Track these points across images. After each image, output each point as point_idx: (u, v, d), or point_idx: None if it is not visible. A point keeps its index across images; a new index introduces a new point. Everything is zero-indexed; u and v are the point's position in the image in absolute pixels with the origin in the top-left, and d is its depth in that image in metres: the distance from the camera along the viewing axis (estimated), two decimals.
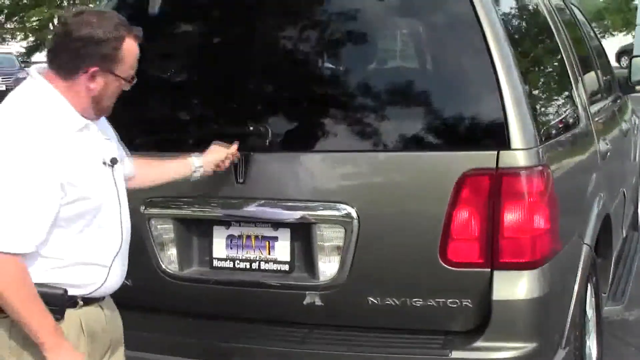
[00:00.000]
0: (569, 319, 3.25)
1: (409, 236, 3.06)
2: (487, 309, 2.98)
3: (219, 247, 3.30)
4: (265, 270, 3.24)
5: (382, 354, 3.06)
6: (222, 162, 3.07)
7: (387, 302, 3.08)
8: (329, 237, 3.13)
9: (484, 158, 2.98)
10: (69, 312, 2.38)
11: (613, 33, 36.22)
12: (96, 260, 2.42)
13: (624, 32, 35.31)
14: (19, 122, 2.28)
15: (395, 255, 3.08)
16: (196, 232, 3.33)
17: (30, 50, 38.89)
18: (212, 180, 3.25)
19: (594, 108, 4.35)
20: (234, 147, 3.09)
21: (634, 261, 5.19)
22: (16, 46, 41.16)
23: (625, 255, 5.18)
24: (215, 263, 3.31)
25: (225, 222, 3.28)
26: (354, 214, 3.07)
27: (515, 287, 2.97)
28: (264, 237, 3.24)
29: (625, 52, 24.60)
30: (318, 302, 3.16)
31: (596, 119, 4.26)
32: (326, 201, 3.12)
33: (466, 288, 3.02)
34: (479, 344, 2.97)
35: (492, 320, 2.96)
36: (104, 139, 2.48)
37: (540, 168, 3.00)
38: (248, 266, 3.26)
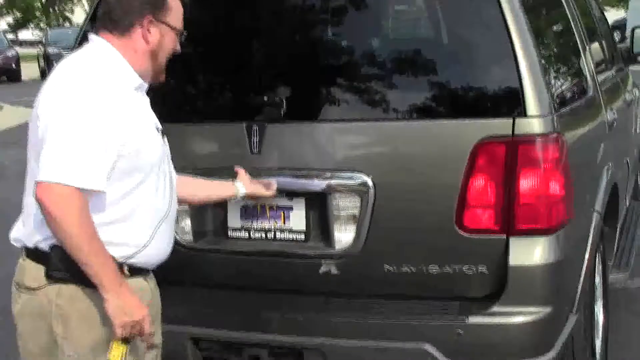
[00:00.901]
0: (580, 285, 3.29)
1: (425, 204, 3.08)
2: (503, 275, 3.01)
3: (234, 217, 3.31)
4: (281, 240, 3.26)
5: (399, 321, 3.08)
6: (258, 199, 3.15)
7: (404, 270, 3.10)
8: (345, 206, 3.14)
9: (499, 126, 2.99)
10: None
11: (605, 8, 36.20)
12: (143, 220, 2.42)
13: (616, 8, 35.34)
14: (83, 73, 2.35)
15: (411, 223, 3.10)
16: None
17: (16, 27, 38.57)
18: (226, 151, 3.26)
19: (600, 78, 4.37)
20: (273, 191, 3.12)
21: (636, 231, 5.25)
22: (2, 23, 40.87)
23: (627, 225, 5.24)
24: (231, 233, 3.32)
25: None
26: (370, 183, 3.09)
27: (531, 253, 3.00)
28: (278, 207, 3.26)
29: (617, 27, 24.61)
30: (334, 270, 3.18)
31: (603, 88, 4.29)
32: (341, 170, 3.14)
33: (482, 254, 3.04)
34: (495, 309, 3.00)
35: (508, 286, 2.99)
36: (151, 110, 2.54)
37: (555, 135, 3.02)
38: (263, 236, 3.28)
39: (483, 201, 3.02)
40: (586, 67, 4.01)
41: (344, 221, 3.16)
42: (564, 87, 3.53)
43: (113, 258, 2.33)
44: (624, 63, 5.79)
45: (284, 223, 3.25)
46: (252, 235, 3.29)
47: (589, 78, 4.01)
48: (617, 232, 4.40)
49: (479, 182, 3.01)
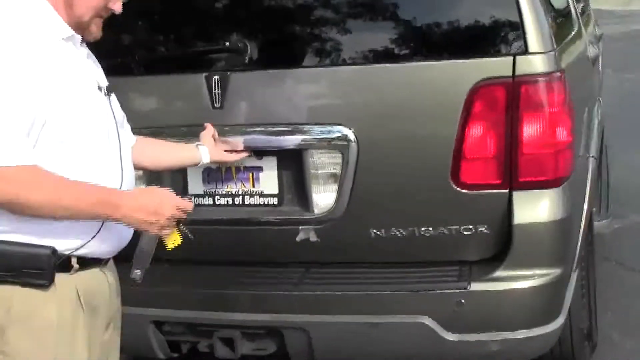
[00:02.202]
0: (580, 240, 2.98)
1: (416, 158, 2.72)
2: (506, 235, 2.68)
3: (195, 182, 2.91)
4: (250, 205, 2.87)
5: (391, 291, 2.73)
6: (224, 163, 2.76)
7: (393, 234, 2.75)
8: (323, 164, 2.77)
9: (498, 65, 2.63)
10: (61, 279, 1.94)
11: None
12: None
13: None
14: None
15: (400, 180, 2.74)
16: None
17: None
18: (184, 107, 2.83)
19: (579, 8, 4.06)
20: (242, 155, 2.75)
21: (610, 173, 5.01)
22: None
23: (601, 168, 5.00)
24: (192, 200, 2.90)
25: None
26: (352, 137, 2.71)
27: (537, 208, 2.67)
28: (246, 168, 2.86)
29: None
30: (313, 237, 2.81)
31: (583, 21, 3.98)
32: (318, 123, 2.74)
33: (482, 212, 2.70)
34: (499, 273, 2.67)
35: (513, 247, 2.66)
36: (96, 67, 2.09)
37: (559, 74, 2.67)
38: (230, 201, 2.88)
39: (482, 152, 2.67)
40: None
41: (323, 181, 2.79)
42: (557, 20, 3.18)
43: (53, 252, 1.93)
44: None
45: (253, 186, 2.86)
46: (217, 201, 2.89)
47: (572, 10, 3.68)
48: (602, 177, 4.12)
49: (476, 131, 2.65)
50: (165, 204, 2.03)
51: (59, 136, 1.91)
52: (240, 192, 2.88)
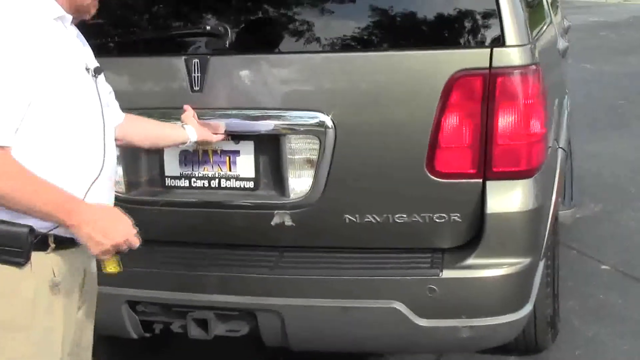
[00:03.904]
0: (547, 230, 3.04)
1: (392, 146, 2.73)
2: (478, 224, 2.72)
3: (172, 164, 2.90)
4: (226, 188, 2.88)
5: (364, 277, 2.76)
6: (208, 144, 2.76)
7: (367, 220, 2.78)
8: (300, 149, 2.78)
9: (475, 57, 2.66)
10: (37, 257, 1.94)
11: None
12: (68, 182, 1.96)
13: None
14: None
15: (376, 168, 2.76)
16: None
17: None
18: (163, 89, 2.82)
19: (549, 2, 4.11)
20: (223, 135, 2.76)
21: (573, 163, 5.10)
22: None
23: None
24: (168, 182, 2.91)
25: None
26: (329, 123, 2.72)
27: (510, 198, 2.72)
28: (223, 152, 2.86)
29: None
30: (288, 222, 2.83)
31: (553, 13, 4.03)
32: (297, 109, 2.75)
33: (455, 201, 2.74)
34: (471, 261, 2.71)
35: (484, 236, 2.70)
36: (85, 47, 2.08)
37: (534, 67, 2.71)
38: (206, 184, 2.88)
39: (457, 141, 2.70)
40: None
41: (299, 166, 2.80)
42: (531, 12, 3.22)
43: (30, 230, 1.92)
44: None
45: (230, 169, 2.87)
46: (193, 183, 2.89)
47: (544, 2, 3.73)
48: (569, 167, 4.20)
49: (452, 120, 2.68)
50: (119, 230, 1.98)
51: (43, 117, 1.90)
52: (216, 175, 2.88)
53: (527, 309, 2.82)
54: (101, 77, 2.10)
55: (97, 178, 2.02)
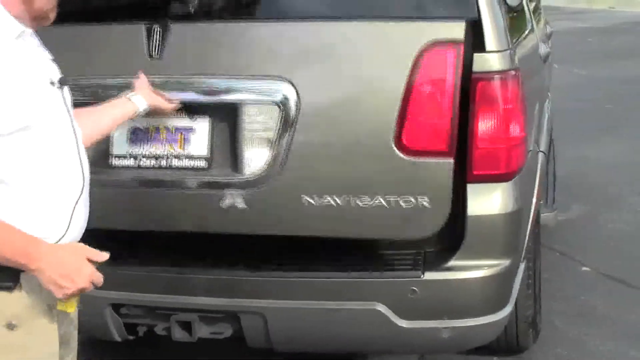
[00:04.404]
0: (528, 232, 3.09)
1: (358, 118, 2.63)
2: (447, 214, 2.68)
3: (119, 142, 2.77)
4: (176, 168, 2.76)
5: (346, 278, 2.77)
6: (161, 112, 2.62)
7: (327, 202, 2.64)
8: (260, 121, 2.67)
9: (450, 29, 2.61)
10: (27, 278, 1.88)
11: None
12: (56, 206, 1.92)
13: None
14: None
15: (339, 143, 2.65)
16: None
17: None
18: (122, 56, 2.72)
19: (531, 7, 4.15)
20: (176, 104, 2.67)
21: (555, 166, 5.14)
22: None
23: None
24: (114, 161, 2.79)
25: None
26: (292, 93, 2.63)
27: (490, 201, 2.75)
28: (177, 129, 2.75)
29: None
30: (240, 203, 2.68)
31: (535, 19, 4.08)
32: (258, 79, 2.67)
33: (423, 182, 2.62)
34: (452, 263, 2.74)
35: (466, 238, 2.73)
36: (46, 57, 1.99)
37: (514, 72, 2.75)
38: (155, 163, 2.76)
39: (428, 116, 2.61)
40: None
41: (257, 141, 2.68)
42: (512, 18, 3.26)
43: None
44: None
45: (182, 148, 2.75)
46: (140, 163, 2.77)
47: (526, 8, 3.77)
48: (549, 170, 4.24)
49: (422, 94, 2.61)
50: (84, 272, 1.87)
51: (19, 145, 1.83)
52: (167, 154, 2.75)
53: (507, 310, 2.86)
54: (66, 88, 2.00)
55: (80, 195, 1.97)
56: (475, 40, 2.67)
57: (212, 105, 2.72)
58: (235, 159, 2.71)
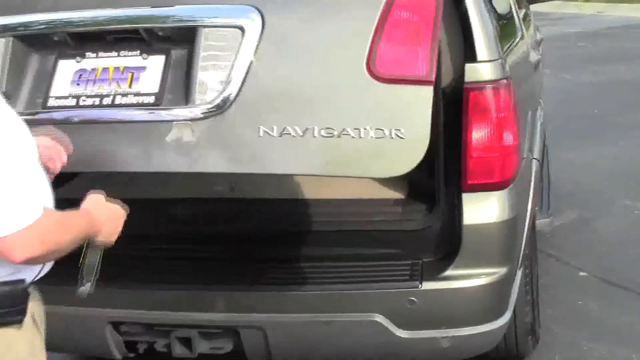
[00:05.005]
0: (524, 239, 3.11)
1: (326, 43, 2.43)
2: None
3: (61, 83, 2.58)
4: (120, 105, 2.52)
5: (345, 290, 2.79)
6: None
7: (287, 133, 2.36)
8: (217, 47, 2.47)
9: None
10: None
11: None
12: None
13: None
14: None
15: (303, 70, 2.43)
16: (33, 62, 2.64)
17: None
18: None
19: (521, 15, 4.19)
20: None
21: (549, 171, 5.17)
22: None
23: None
24: (51, 102, 2.58)
25: (76, 51, 2.59)
26: (257, 17, 2.45)
27: (485, 210, 2.77)
28: (127, 69, 2.56)
29: None
30: (190, 137, 2.43)
31: (525, 27, 4.11)
32: (221, 3, 2.55)
33: (399, 112, 2.35)
34: (449, 272, 2.75)
35: (462, 247, 2.74)
36: None
37: (506, 81, 2.78)
38: (97, 102, 2.53)
39: (404, 40, 2.40)
40: (512, 3, 3.80)
41: (212, 70, 2.46)
42: (502, 27, 3.29)
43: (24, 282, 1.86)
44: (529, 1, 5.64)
45: (130, 86, 2.54)
46: (81, 102, 2.54)
47: (515, 16, 3.81)
48: (543, 176, 4.27)
49: (400, 13, 2.41)
50: (120, 214, 2.01)
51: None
52: (111, 92, 2.54)
53: (506, 317, 2.88)
54: None
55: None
56: (466, 50, 2.70)
57: (170, 38, 2.56)
58: (187, 92, 2.48)
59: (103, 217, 1.96)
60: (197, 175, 2.83)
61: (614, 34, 13.77)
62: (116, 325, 2.90)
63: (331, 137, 2.35)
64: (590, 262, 4.53)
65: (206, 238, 3.00)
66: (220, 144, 2.46)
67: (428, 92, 2.34)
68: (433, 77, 2.35)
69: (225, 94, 2.43)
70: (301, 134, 2.36)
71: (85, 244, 1.96)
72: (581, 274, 4.42)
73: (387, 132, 2.32)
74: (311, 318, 2.80)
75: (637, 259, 4.52)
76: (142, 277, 2.93)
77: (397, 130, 2.32)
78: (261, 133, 2.38)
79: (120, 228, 2.02)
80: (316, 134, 2.35)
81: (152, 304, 2.89)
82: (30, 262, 1.78)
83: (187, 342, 2.88)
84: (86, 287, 2.05)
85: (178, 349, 2.89)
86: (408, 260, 2.84)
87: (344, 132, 2.34)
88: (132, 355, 2.98)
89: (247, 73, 2.41)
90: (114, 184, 2.79)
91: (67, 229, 1.84)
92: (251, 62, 2.41)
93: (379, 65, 2.37)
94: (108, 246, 2.02)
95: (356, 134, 2.33)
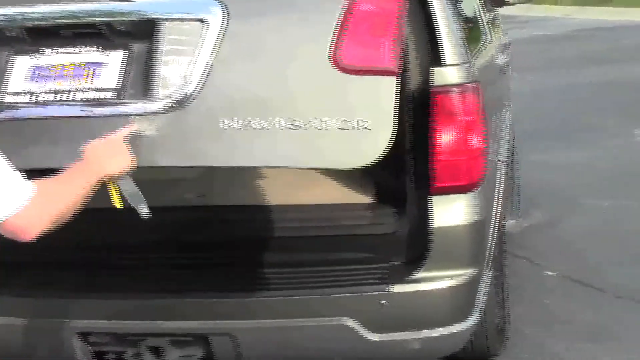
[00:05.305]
0: (492, 240, 3.13)
1: (290, 33, 2.44)
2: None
3: (16, 80, 2.54)
4: (79, 101, 2.48)
5: (314, 295, 2.78)
6: None
7: (250, 125, 2.35)
8: (178, 41, 2.45)
9: None
10: None
11: None
12: None
13: None
14: None
15: (267, 61, 2.41)
16: None
17: None
18: None
19: (487, 18, 4.22)
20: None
21: (519, 172, 5.21)
22: None
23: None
24: (7, 99, 2.52)
25: (33, 47, 2.55)
26: (219, 10, 2.44)
27: (453, 212, 2.78)
28: (87, 64, 2.51)
29: None
30: (150, 131, 2.39)
31: (493, 30, 4.14)
32: None
33: (364, 102, 2.35)
34: (419, 275, 2.75)
35: (431, 249, 2.75)
36: None
37: (474, 84, 2.79)
38: (56, 98, 2.48)
39: (367, 31, 2.40)
40: (478, 7, 3.83)
41: (173, 63, 2.44)
42: (469, 30, 3.32)
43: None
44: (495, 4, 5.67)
45: (90, 82, 2.49)
46: (37, 98, 2.49)
47: (481, 20, 3.84)
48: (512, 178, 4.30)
49: (364, 8, 2.42)
50: (110, 141, 2.16)
51: None
52: (70, 88, 2.49)
53: (474, 318, 2.89)
54: None
55: None
56: (433, 53, 2.71)
57: (130, 32, 2.52)
58: (149, 86, 2.45)
59: (104, 156, 2.08)
60: (166, 182, 2.85)
61: (581, 37, 13.92)
62: (84, 335, 2.87)
63: (296, 129, 2.34)
64: (559, 262, 4.57)
65: (175, 246, 2.98)
66: (183, 137, 2.44)
67: (392, 82, 2.34)
68: (397, 69, 2.35)
69: (187, 87, 2.41)
70: (265, 126, 2.35)
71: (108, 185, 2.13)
72: (549, 273, 4.46)
73: (352, 123, 2.32)
74: (281, 323, 2.79)
75: (606, 258, 4.57)
76: (109, 286, 2.90)
77: (362, 121, 2.32)
78: (224, 126, 2.37)
79: (127, 153, 2.15)
80: (281, 125, 2.34)
81: (121, 313, 2.86)
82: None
83: (157, 351, 2.87)
84: (145, 211, 2.23)
85: (148, 358, 2.87)
86: (378, 264, 2.84)
87: (309, 124, 2.34)
88: None
89: (209, 67, 2.40)
90: None
91: (62, 194, 1.95)
92: (213, 56, 2.40)
93: (344, 56, 2.37)
94: (132, 171, 2.16)
95: (322, 125, 2.33)
